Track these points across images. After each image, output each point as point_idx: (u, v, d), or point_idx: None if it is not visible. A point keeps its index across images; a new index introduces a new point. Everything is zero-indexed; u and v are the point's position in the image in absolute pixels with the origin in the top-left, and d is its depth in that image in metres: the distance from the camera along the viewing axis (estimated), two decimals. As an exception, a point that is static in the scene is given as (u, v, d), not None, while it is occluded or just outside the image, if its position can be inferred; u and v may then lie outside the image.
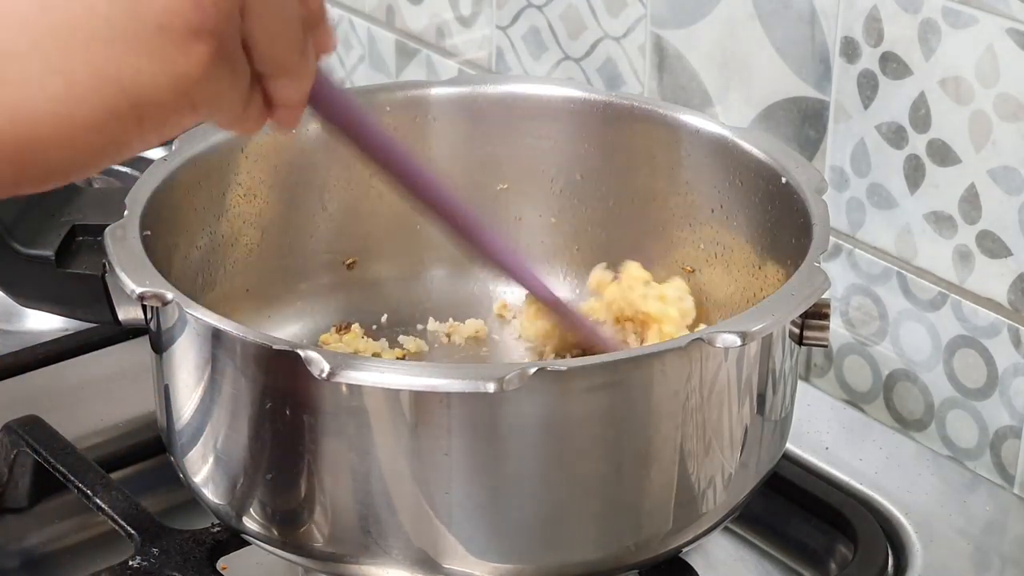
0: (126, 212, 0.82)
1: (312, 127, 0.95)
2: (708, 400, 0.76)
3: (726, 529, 0.89)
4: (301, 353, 0.71)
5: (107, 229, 0.81)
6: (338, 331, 0.96)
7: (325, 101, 0.71)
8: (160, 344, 0.81)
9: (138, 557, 0.83)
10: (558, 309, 0.91)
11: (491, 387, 0.70)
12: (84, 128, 0.58)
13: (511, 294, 0.99)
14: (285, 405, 0.75)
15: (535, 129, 0.97)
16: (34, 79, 0.57)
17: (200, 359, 0.77)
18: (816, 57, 1.00)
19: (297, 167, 0.95)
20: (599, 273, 0.94)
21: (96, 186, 1.21)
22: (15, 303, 0.89)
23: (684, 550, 0.81)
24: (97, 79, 0.58)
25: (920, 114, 0.96)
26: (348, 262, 0.98)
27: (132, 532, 0.85)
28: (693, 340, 0.74)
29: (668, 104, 0.96)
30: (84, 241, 0.86)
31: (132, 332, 0.98)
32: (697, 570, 0.83)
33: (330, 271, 0.98)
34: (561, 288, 0.99)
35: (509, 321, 0.99)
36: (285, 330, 0.96)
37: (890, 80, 0.97)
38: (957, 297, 0.97)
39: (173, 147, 0.89)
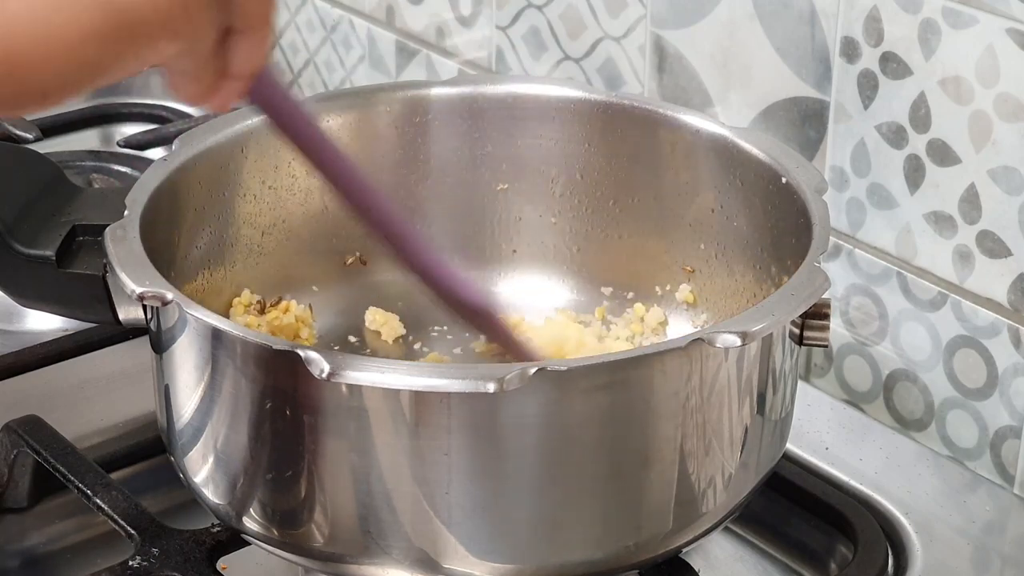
0: (126, 212, 0.82)
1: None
2: (708, 400, 0.76)
3: (726, 529, 0.89)
4: (301, 353, 0.71)
5: (107, 229, 0.81)
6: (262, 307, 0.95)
7: (267, 94, 0.73)
8: (160, 344, 0.81)
9: (138, 557, 0.83)
10: (482, 318, 0.87)
11: (491, 387, 0.70)
12: (76, 43, 0.61)
13: (513, 295, 0.99)
14: (285, 405, 0.75)
15: (535, 129, 0.97)
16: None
17: (200, 359, 0.77)
18: (816, 57, 1.00)
19: (297, 167, 0.95)
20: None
21: (96, 186, 1.22)
22: (15, 303, 0.89)
23: (684, 550, 0.81)
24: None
25: (920, 114, 0.96)
26: (349, 261, 0.98)
27: (132, 532, 0.85)
28: (693, 340, 0.74)
29: (668, 104, 0.96)
30: (84, 241, 0.86)
31: (132, 332, 0.98)
32: (697, 570, 0.83)
33: (330, 271, 0.98)
34: (561, 290, 0.99)
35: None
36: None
37: (890, 80, 0.97)
38: (957, 297, 0.97)
39: (173, 147, 0.89)
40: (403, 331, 0.97)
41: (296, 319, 0.94)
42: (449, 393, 0.72)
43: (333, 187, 0.79)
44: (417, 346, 0.97)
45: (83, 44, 0.61)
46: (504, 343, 0.88)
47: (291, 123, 0.76)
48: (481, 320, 0.87)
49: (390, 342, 0.97)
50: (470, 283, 0.86)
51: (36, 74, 0.61)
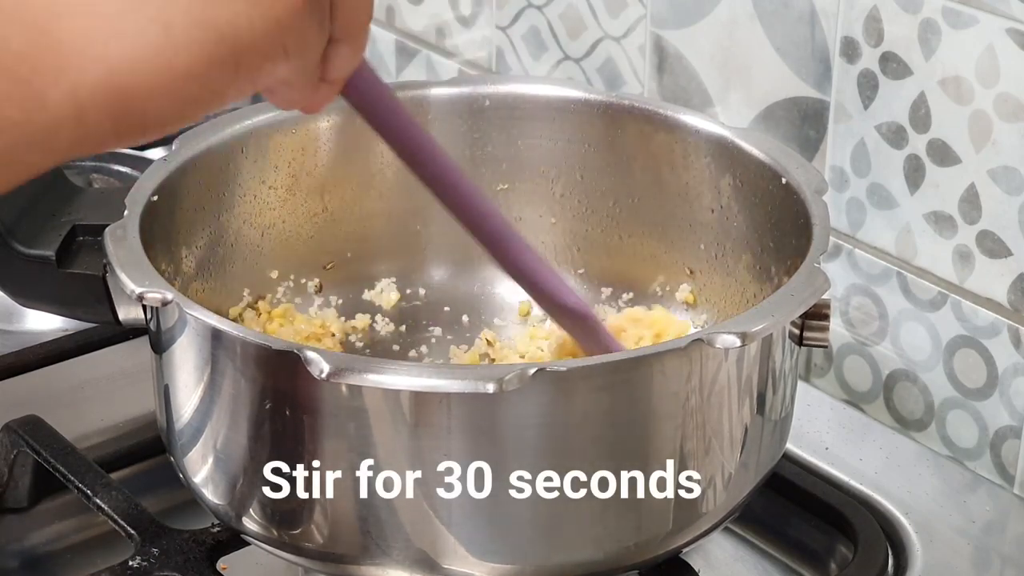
0: (126, 212, 0.82)
1: (312, 127, 0.95)
2: (708, 400, 0.76)
3: (726, 529, 0.89)
4: (300, 353, 0.71)
5: (107, 229, 0.81)
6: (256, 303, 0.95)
7: (362, 89, 0.73)
8: (160, 344, 0.81)
9: (138, 557, 0.83)
10: (583, 324, 0.85)
11: (491, 387, 0.70)
12: (183, 77, 0.58)
13: (513, 294, 0.99)
14: (285, 405, 0.75)
15: (535, 129, 0.97)
16: (132, 30, 0.57)
17: (200, 359, 0.77)
18: (816, 57, 1.00)
19: (297, 167, 0.95)
20: None
21: (96, 186, 1.22)
22: (15, 303, 0.89)
23: (684, 550, 0.81)
24: (195, 26, 0.58)
25: (920, 114, 0.96)
26: (328, 265, 0.98)
27: (132, 532, 0.85)
28: (693, 340, 0.74)
29: (668, 104, 0.96)
30: (84, 241, 0.86)
31: (132, 332, 0.98)
32: (697, 570, 0.83)
33: (330, 271, 0.98)
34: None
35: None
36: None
37: (890, 80, 0.97)
38: (957, 297, 0.97)
39: (173, 147, 0.89)
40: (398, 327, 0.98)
41: (304, 326, 0.94)
42: (449, 393, 0.72)
43: (425, 183, 0.77)
44: (415, 347, 0.97)
45: (191, 78, 0.58)
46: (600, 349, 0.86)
47: (384, 117, 0.75)
48: (577, 324, 0.85)
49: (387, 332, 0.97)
50: (567, 289, 0.84)
51: (140, 108, 0.58)
